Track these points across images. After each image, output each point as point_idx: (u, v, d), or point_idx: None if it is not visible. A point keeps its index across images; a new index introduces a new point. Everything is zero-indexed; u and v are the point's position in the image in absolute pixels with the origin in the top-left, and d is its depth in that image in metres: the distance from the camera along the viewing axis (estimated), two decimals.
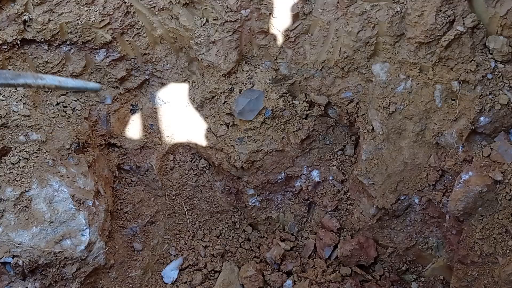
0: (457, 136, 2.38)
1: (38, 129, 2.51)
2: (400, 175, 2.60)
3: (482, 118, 2.32)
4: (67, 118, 2.67)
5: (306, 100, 2.84)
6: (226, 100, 2.85)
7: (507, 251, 2.22)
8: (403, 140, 2.56)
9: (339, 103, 2.76)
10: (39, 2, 2.43)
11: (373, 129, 2.62)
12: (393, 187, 2.62)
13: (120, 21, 2.66)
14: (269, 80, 2.82)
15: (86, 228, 2.46)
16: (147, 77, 2.95)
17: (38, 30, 2.49)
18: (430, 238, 2.71)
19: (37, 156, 2.47)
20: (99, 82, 2.81)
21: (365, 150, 2.64)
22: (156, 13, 2.70)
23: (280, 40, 2.71)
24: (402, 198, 2.64)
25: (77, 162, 2.58)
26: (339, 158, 2.94)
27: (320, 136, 2.91)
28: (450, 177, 2.49)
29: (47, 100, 2.66)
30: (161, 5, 2.66)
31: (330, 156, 2.94)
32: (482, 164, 2.31)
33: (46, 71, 2.64)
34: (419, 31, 2.33)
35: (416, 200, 2.63)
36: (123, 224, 2.90)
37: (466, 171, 2.33)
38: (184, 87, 2.95)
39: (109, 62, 2.78)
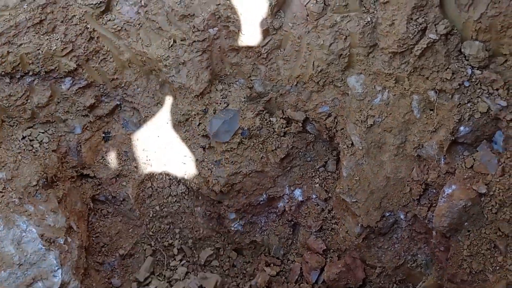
0: (438, 147, 2.29)
1: (3, 166, 2.41)
2: (383, 190, 2.49)
3: (462, 128, 2.23)
4: (33, 152, 2.57)
5: (283, 116, 2.75)
6: (200, 121, 2.75)
7: (497, 267, 2.11)
8: (384, 154, 2.46)
9: (317, 118, 2.67)
10: None
11: (352, 144, 2.52)
12: (377, 204, 2.52)
13: (84, 47, 2.56)
14: (244, 98, 2.72)
15: (58, 268, 2.34)
16: (118, 102, 2.85)
17: None
18: (419, 256, 2.59)
19: (2, 196, 2.36)
20: (67, 112, 2.71)
21: (346, 167, 2.53)
22: (122, 37, 2.61)
23: (252, 57, 2.62)
24: (387, 214, 2.53)
25: (46, 199, 2.47)
26: (321, 175, 2.84)
27: (300, 153, 2.81)
28: (434, 191, 2.39)
29: (12, 135, 2.56)
30: (126, 28, 2.56)
31: (312, 174, 2.83)
32: (465, 176, 2.21)
33: (10, 105, 2.53)
34: (392, 41, 2.24)
35: (402, 216, 2.53)
36: (100, 259, 2.78)
37: (449, 184, 2.23)
38: (157, 111, 2.85)
39: (76, 90, 2.68)
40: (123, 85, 2.77)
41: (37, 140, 2.62)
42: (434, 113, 2.27)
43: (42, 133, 2.66)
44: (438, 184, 2.35)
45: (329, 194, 2.83)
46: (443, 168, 2.31)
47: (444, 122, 2.24)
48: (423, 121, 2.32)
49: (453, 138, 2.24)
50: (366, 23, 2.31)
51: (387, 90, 2.38)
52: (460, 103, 2.20)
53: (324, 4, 2.33)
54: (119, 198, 2.88)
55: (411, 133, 2.37)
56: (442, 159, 2.31)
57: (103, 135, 2.89)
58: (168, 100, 2.81)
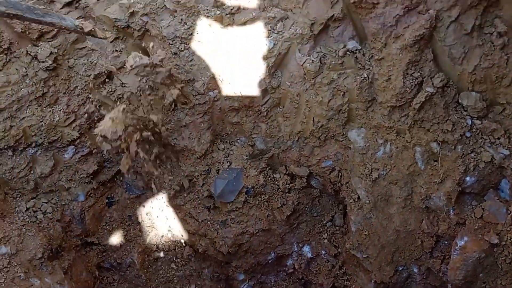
0: (446, 198, 2.27)
1: (7, 241, 2.37)
2: (394, 244, 2.45)
3: (468, 178, 2.22)
4: (37, 224, 2.54)
5: (287, 172, 2.74)
6: (204, 182, 2.74)
7: None
8: (392, 206, 2.44)
9: (321, 173, 2.66)
10: None
11: (359, 197, 2.50)
12: (389, 258, 2.47)
13: (86, 116, 2.59)
14: (246, 156, 2.73)
15: None
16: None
17: (0, 137, 2.41)
18: None
19: (7, 271, 2.31)
20: (70, 180, 2.70)
21: (354, 221, 2.50)
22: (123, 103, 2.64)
23: (252, 115, 2.64)
24: (400, 269, 2.48)
25: (51, 271, 2.42)
26: (329, 230, 2.80)
27: (306, 208, 2.78)
28: (446, 242, 2.36)
29: (16, 207, 2.54)
30: (127, 96, 2.60)
31: (319, 229, 2.80)
32: (476, 227, 2.18)
33: (13, 177, 2.53)
34: (390, 95, 2.27)
35: (415, 270, 2.47)
36: None
37: (461, 236, 2.20)
38: (160, 173, 2.84)
39: (79, 158, 2.68)
40: (125, 149, 2.77)
41: (40, 210, 2.59)
42: (438, 164, 2.27)
43: (46, 203, 2.64)
44: (449, 235, 2.32)
45: (339, 249, 2.78)
46: (453, 219, 2.28)
47: (449, 173, 2.24)
48: (428, 173, 2.31)
49: (460, 189, 2.23)
50: (363, 79, 2.34)
51: (389, 143, 2.39)
52: (463, 154, 2.20)
53: (320, 62, 2.38)
54: (124, 265, 2.83)
55: (417, 184, 2.36)
56: (451, 210, 2.29)
57: (107, 200, 2.87)
58: (171, 162, 2.80)
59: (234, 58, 2.48)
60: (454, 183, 2.24)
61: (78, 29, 1.98)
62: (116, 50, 2.51)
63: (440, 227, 2.35)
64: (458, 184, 2.23)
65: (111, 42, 2.48)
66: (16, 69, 2.35)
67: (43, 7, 2.21)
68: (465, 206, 2.30)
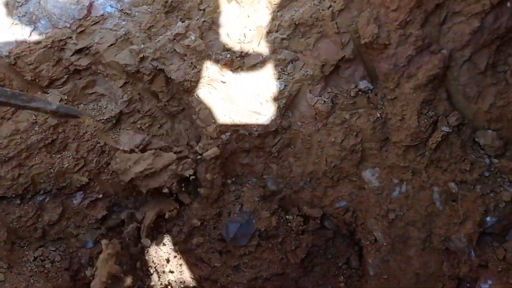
0: (467, 240, 2.20)
1: None
2: None
3: (488, 219, 2.16)
4: (45, 273, 2.46)
5: (300, 214, 2.68)
6: (215, 225, 2.68)
7: None
8: (410, 248, 2.37)
9: (334, 214, 2.60)
10: (6, 158, 2.32)
11: (375, 239, 2.44)
12: None
13: (96, 161, 2.55)
14: (258, 198, 2.67)
15: None
16: (129, 211, 2.79)
17: (8, 186, 2.37)
18: None
19: None
20: (79, 226, 2.64)
21: (372, 264, 2.43)
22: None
23: (263, 156, 2.61)
24: None
25: None
26: (345, 273, 2.71)
27: (320, 251, 2.71)
28: (468, 285, 2.27)
29: (23, 257, 2.47)
30: (137, 143, 2.57)
31: (335, 272, 2.71)
32: (499, 269, 2.10)
33: (20, 226, 2.47)
34: (404, 135, 2.24)
35: None
36: None
37: (484, 279, 2.12)
38: (170, 217, 2.78)
39: (88, 203, 2.63)
40: (134, 193, 2.73)
41: (48, 259, 2.52)
42: (457, 205, 2.21)
43: (54, 251, 2.57)
44: (471, 278, 2.24)
45: None
46: (474, 261, 2.21)
47: (469, 214, 2.18)
48: (447, 213, 2.25)
49: (481, 230, 2.17)
50: (376, 119, 2.32)
51: (405, 183, 2.34)
52: (483, 194, 2.15)
53: (332, 103, 2.36)
54: None
55: (436, 225, 2.29)
56: (473, 252, 2.21)
57: None
58: (182, 206, 2.75)
59: (245, 100, 2.46)
60: (474, 224, 2.17)
61: (62, 112, 1.94)
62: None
63: (461, 269, 2.27)
64: (479, 225, 2.17)
65: (120, 87, 2.47)
66: (26, 117, 2.33)
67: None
68: (487, 247, 2.23)
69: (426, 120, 2.18)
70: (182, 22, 2.36)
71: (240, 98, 2.44)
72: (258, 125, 2.47)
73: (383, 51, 2.14)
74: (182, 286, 2.78)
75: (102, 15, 2.32)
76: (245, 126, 2.52)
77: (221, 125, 2.48)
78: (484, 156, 2.17)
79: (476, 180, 2.15)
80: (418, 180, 2.30)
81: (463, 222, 2.21)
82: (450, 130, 2.15)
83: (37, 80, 2.34)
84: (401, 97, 2.19)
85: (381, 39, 2.09)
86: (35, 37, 2.26)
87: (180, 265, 2.79)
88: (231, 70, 2.40)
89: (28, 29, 2.26)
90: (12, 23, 2.25)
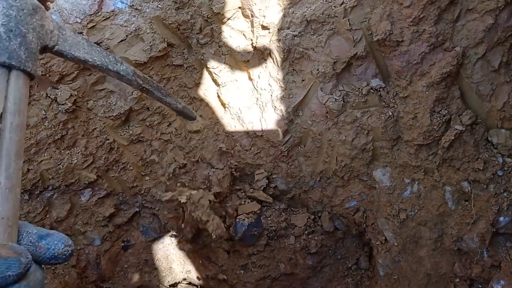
0: (479, 240, 2.17)
1: None
2: None
3: (501, 218, 2.13)
4: (52, 270, 2.45)
5: (309, 213, 2.65)
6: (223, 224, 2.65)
7: None
8: (421, 249, 2.33)
9: (344, 214, 2.58)
10: None
11: (386, 239, 2.40)
12: None
13: (104, 158, 2.54)
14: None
15: None
16: (137, 209, 2.77)
17: None
18: None
19: None
20: (86, 223, 2.63)
21: (382, 265, 2.40)
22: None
23: (272, 155, 2.59)
24: None
25: None
26: (354, 273, 2.68)
27: (330, 251, 2.68)
28: (480, 286, 2.23)
29: None
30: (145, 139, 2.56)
31: (344, 272, 2.68)
32: None
33: (28, 222, 2.45)
34: (416, 134, 2.21)
35: None
36: None
37: (497, 280, 2.08)
38: (177, 215, 2.76)
39: (96, 201, 2.62)
40: (142, 191, 2.71)
41: None
42: (469, 204, 2.18)
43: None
44: (483, 278, 2.21)
45: None
46: (487, 262, 2.17)
47: (482, 213, 2.15)
48: (459, 213, 2.22)
49: (494, 230, 2.14)
50: (388, 117, 2.29)
51: (416, 182, 2.31)
52: (496, 193, 2.12)
53: (343, 101, 2.34)
54: None
55: (448, 225, 2.26)
56: (485, 252, 2.18)
57: (123, 244, 2.78)
58: (190, 205, 2.73)
59: (255, 97, 2.45)
60: (487, 224, 2.14)
61: (186, 112, 2.08)
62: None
63: (473, 270, 2.24)
64: (492, 224, 2.14)
65: None
66: (36, 112, 2.32)
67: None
68: (499, 247, 2.20)
69: (439, 119, 2.15)
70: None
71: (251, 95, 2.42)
72: (268, 124, 2.46)
73: (396, 48, 2.12)
74: (189, 285, 2.75)
75: (113, 10, 2.32)
76: (254, 125, 2.50)
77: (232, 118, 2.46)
78: (497, 155, 2.14)
79: (489, 179, 2.12)
80: (430, 179, 2.27)
81: (476, 222, 2.18)
82: (463, 129, 2.13)
83: (47, 75, 2.33)
84: (414, 95, 2.17)
85: (394, 36, 2.08)
86: None
87: (187, 264, 2.76)
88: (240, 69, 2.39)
89: None
90: None
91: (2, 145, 0.95)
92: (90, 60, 1.53)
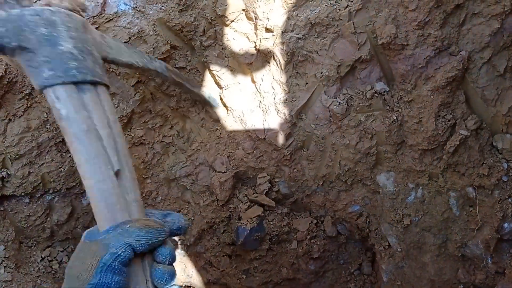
0: (484, 246, 2.15)
1: None
2: None
3: (506, 225, 2.11)
4: (53, 274, 2.42)
5: (312, 218, 2.63)
6: (225, 229, 2.64)
7: None
8: (425, 255, 2.31)
9: (347, 219, 2.55)
10: (17, 156, 2.30)
11: (389, 245, 2.38)
12: None
13: None
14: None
15: None
16: None
17: (18, 184, 2.34)
18: None
19: None
20: (87, 227, 2.60)
21: (385, 270, 2.37)
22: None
23: (275, 158, 2.57)
24: None
25: None
26: (356, 279, 2.66)
27: (332, 256, 2.65)
28: None
29: (30, 257, 2.43)
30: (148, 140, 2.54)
31: (346, 278, 2.66)
32: None
33: (28, 225, 2.44)
34: (421, 138, 2.20)
35: None
36: None
37: (501, 286, 2.07)
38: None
39: None
40: (143, 195, 2.69)
41: (56, 260, 2.48)
42: (474, 210, 2.16)
43: (61, 251, 2.53)
44: (487, 285, 2.18)
45: None
46: (491, 268, 2.15)
47: (486, 219, 2.13)
48: (464, 219, 2.20)
49: (499, 236, 2.12)
50: (392, 122, 2.27)
51: (420, 188, 2.29)
52: (501, 199, 2.10)
53: (347, 105, 2.32)
54: None
55: (452, 231, 2.24)
56: (489, 259, 2.16)
57: None
58: (191, 208, 2.71)
59: (258, 100, 2.43)
60: (492, 230, 2.12)
61: (210, 101, 2.31)
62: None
63: (477, 276, 2.22)
64: (496, 231, 2.12)
65: (132, 86, 2.44)
66: (37, 114, 2.31)
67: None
68: (504, 254, 2.18)
69: (443, 123, 2.14)
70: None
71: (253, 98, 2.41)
72: (271, 127, 2.44)
73: (401, 52, 2.10)
74: None
75: (116, 12, 2.30)
76: (257, 128, 2.49)
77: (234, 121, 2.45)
78: (502, 160, 2.13)
79: (494, 185, 2.11)
80: (434, 184, 2.25)
81: (480, 228, 2.16)
82: (468, 134, 2.11)
83: None
84: (418, 100, 2.15)
85: (399, 39, 2.06)
86: None
87: (188, 268, 2.74)
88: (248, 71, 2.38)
89: None
90: None
91: (117, 147, 1.17)
92: (134, 63, 1.69)
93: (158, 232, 1.14)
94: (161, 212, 1.22)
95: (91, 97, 1.17)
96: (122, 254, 1.06)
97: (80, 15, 1.26)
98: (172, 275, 1.16)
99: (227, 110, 2.53)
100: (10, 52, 1.13)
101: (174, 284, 1.15)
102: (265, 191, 2.59)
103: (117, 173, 1.16)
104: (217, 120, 2.56)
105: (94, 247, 1.07)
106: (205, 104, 2.48)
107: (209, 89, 2.39)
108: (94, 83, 1.18)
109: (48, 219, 2.50)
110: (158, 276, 1.13)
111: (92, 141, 1.14)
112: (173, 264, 1.18)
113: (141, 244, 1.09)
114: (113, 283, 1.04)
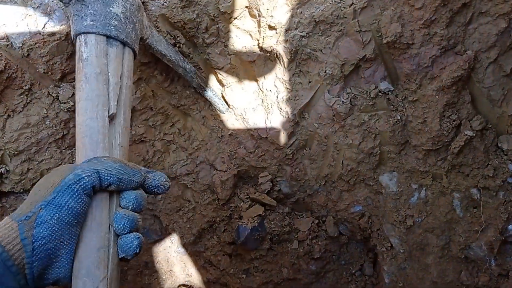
0: (488, 248, 2.13)
1: None
2: None
3: (510, 227, 2.09)
4: None
5: (313, 218, 2.60)
6: (225, 228, 2.61)
7: None
8: (428, 256, 2.29)
9: (349, 219, 2.53)
10: (16, 152, 2.27)
11: (391, 246, 2.36)
12: None
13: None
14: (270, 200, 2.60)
15: None
16: None
17: (17, 181, 2.31)
18: None
19: None
20: None
21: (387, 272, 2.35)
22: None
23: (277, 157, 2.54)
24: None
25: None
26: (358, 280, 2.63)
27: (333, 256, 2.63)
28: None
29: None
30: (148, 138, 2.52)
31: (348, 279, 2.63)
32: None
33: None
34: (425, 139, 2.17)
35: None
36: None
37: None
38: (178, 218, 2.71)
39: None
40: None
41: None
42: (478, 212, 2.13)
43: None
44: (490, 287, 2.16)
45: None
46: (494, 271, 2.13)
47: (491, 221, 2.11)
48: (468, 220, 2.18)
49: (503, 238, 2.09)
50: (396, 121, 2.25)
51: (424, 188, 2.27)
52: (505, 200, 2.08)
53: (351, 104, 2.29)
54: None
55: (456, 233, 2.22)
56: (493, 261, 2.14)
57: None
58: (191, 206, 2.69)
59: (260, 98, 2.41)
60: (496, 232, 2.10)
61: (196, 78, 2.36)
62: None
63: (480, 279, 2.19)
64: (500, 233, 2.10)
65: (133, 82, 2.41)
66: (37, 110, 2.28)
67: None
68: (508, 256, 2.16)
69: (448, 124, 2.11)
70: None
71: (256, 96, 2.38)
72: (273, 125, 2.41)
73: (406, 51, 2.08)
74: None
75: None
76: (259, 126, 2.46)
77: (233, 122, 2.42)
78: (507, 162, 2.10)
79: (499, 187, 2.08)
80: (438, 185, 2.22)
81: (484, 230, 2.14)
82: (473, 134, 2.08)
83: (49, 73, 2.28)
84: (423, 99, 2.13)
85: (404, 38, 2.03)
86: (49, 29, 2.20)
87: (188, 267, 2.71)
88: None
89: (42, 21, 2.21)
90: (27, 14, 2.20)
91: (121, 97, 1.26)
92: (168, 54, 1.92)
93: (133, 171, 1.09)
94: (145, 169, 1.19)
95: (116, 51, 1.31)
96: (86, 178, 1.00)
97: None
98: (132, 221, 1.08)
99: (229, 108, 2.51)
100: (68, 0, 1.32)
101: (134, 234, 1.08)
102: (266, 190, 2.56)
103: (111, 117, 1.20)
104: (218, 118, 2.53)
105: (63, 168, 1.04)
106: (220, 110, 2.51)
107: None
108: (124, 43, 1.34)
109: None
110: (116, 221, 1.06)
111: (99, 82, 1.21)
112: (139, 212, 1.12)
113: (110, 174, 1.03)
114: (66, 207, 0.97)
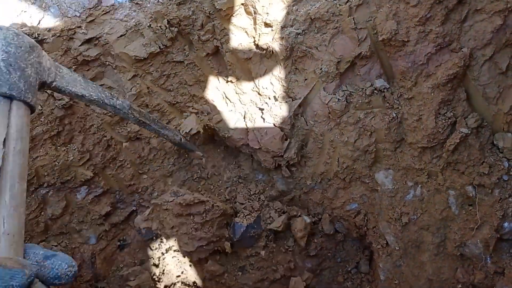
0: (483, 246, 2.12)
1: None
2: None
3: (506, 224, 2.08)
4: None
5: (309, 215, 2.60)
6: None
7: None
8: (423, 253, 2.29)
9: (345, 216, 2.53)
10: None
11: (387, 243, 2.36)
12: None
13: (101, 155, 2.49)
14: (266, 198, 2.60)
15: None
16: (134, 208, 2.72)
17: None
18: None
19: None
20: (82, 221, 2.58)
21: (383, 269, 2.35)
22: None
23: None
24: None
25: None
26: (353, 277, 2.63)
27: (329, 254, 2.63)
28: None
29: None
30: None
31: (344, 276, 2.63)
32: None
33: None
34: (420, 136, 2.17)
35: None
36: None
37: (500, 286, 2.04)
38: None
39: (92, 198, 2.57)
40: (139, 190, 2.66)
41: None
42: (474, 209, 2.13)
43: (56, 246, 2.50)
44: (486, 285, 2.16)
45: None
46: (490, 268, 2.13)
47: (486, 219, 2.10)
48: (463, 218, 2.18)
49: (498, 235, 2.09)
50: (392, 119, 2.25)
51: (419, 186, 2.26)
52: (501, 198, 2.08)
53: (346, 101, 2.29)
54: None
55: (451, 230, 2.21)
56: (488, 258, 2.14)
57: (119, 243, 2.73)
58: None
59: (256, 96, 2.40)
60: (491, 229, 2.10)
61: (182, 144, 2.30)
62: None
63: (476, 276, 2.19)
64: (496, 230, 2.09)
65: (129, 79, 2.41)
66: None
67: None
68: (503, 254, 2.15)
69: (444, 121, 2.11)
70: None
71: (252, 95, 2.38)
72: (269, 123, 2.41)
73: (401, 48, 2.07)
74: (185, 286, 2.70)
75: (113, 5, 2.27)
76: (256, 124, 2.46)
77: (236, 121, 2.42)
78: (503, 159, 2.10)
79: (495, 184, 2.08)
80: (433, 183, 2.22)
81: (480, 227, 2.14)
82: (469, 132, 2.08)
83: None
84: (419, 97, 2.13)
85: (400, 35, 2.03)
86: (44, 25, 2.20)
87: (184, 264, 2.71)
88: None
89: (37, 17, 2.21)
90: (22, 10, 2.19)
91: (6, 168, 1.03)
92: (87, 95, 1.63)
93: (11, 273, 0.87)
94: (45, 253, 0.99)
95: None
96: None
97: None
98: None
99: (226, 105, 2.50)
100: None
101: None
102: (263, 188, 2.56)
103: None
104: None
105: None
106: (181, 147, 2.42)
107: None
108: (9, 97, 1.12)
109: (42, 213, 2.47)
110: None
111: None
112: None
113: None
114: None
